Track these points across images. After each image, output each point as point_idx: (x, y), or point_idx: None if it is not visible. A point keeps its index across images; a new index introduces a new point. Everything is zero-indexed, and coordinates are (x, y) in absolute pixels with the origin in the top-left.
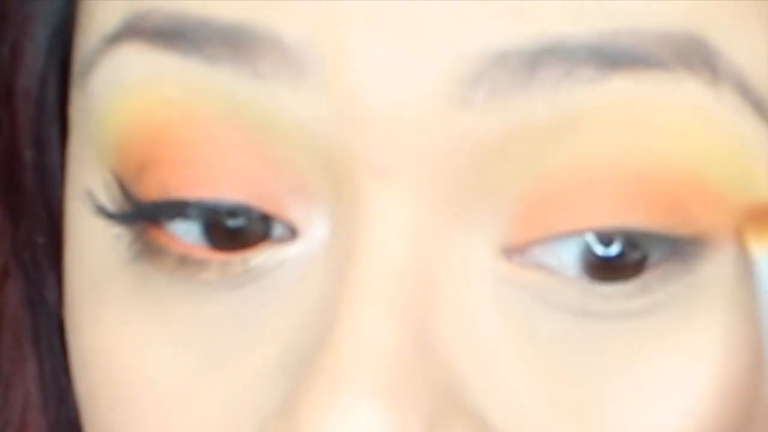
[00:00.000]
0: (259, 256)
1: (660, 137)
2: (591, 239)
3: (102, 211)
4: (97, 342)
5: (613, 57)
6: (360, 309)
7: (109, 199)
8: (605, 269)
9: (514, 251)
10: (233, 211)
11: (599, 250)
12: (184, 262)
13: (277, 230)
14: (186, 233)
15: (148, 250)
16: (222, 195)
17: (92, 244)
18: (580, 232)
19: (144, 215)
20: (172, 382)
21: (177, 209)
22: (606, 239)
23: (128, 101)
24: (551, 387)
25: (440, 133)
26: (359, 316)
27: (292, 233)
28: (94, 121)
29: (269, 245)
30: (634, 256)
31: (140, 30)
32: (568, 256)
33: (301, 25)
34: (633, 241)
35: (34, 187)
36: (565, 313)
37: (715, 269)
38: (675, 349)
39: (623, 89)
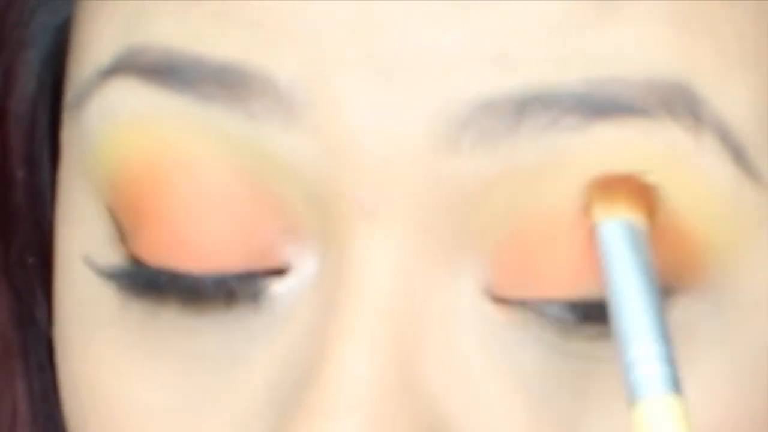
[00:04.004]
0: (248, 291)
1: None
2: None
3: (96, 269)
4: (87, 369)
5: (599, 105)
6: (346, 346)
7: (103, 239)
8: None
9: (498, 298)
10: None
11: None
12: (177, 300)
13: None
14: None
15: (143, 290)
16: (219, 264)
17: (84, 276)
18: (559, 297)
19: (139, 278)
20: (161, 413)
21: (172, 277)
22: None
23: (121, 137)
24: (534, 425)
25: (427, 175)
26: (346, 353)
27: (281, 270)
28: (86, 153)
29: (258, 280)
30: None
31: (133, 66)
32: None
33: (292, 67)
34: None
35: (26, 207)
36: (548, 352)
37: (688, 310)
38: None
39: (607, 135)
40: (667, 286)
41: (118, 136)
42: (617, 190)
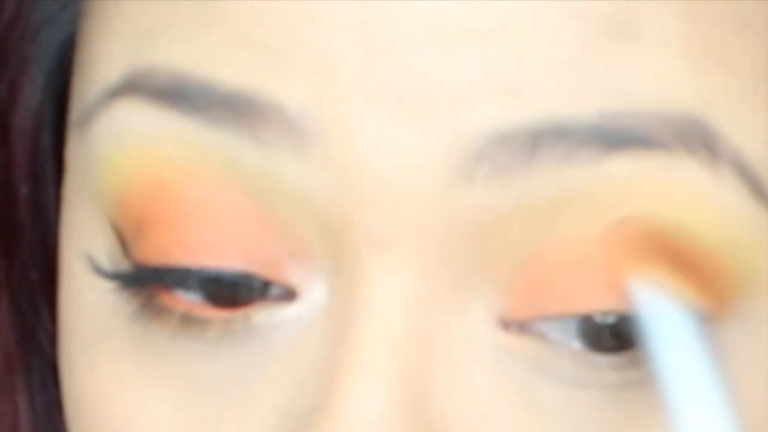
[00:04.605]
0: (260, 314)
1: (656, 215)
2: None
3: (100, 272)
4: (92, 392)
5: (615, 138)
6: (358, 377)
7: (107, 254)
8: (601, 339)
9: (511, 322)
10: (233, 279)
11: (597, 318)
12: (187, 321)
13: (275, 290)
14: (186, 293)
15: (150, 308)
16: (222, 263)
17: (89, 292)
18: (572, 314)
19: (144, 279)
20: None
21: (177, 276)
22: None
23: (128, 156)
24: None
25: (441, 207)
26: (357, 384)
27: (291, 294)
28: (92, 171)
29: (269, 303)
30: (627, 327)
31: (141, 87)
32: (564, 326)
33: (303, 96)
34: (625, 313)
35: (29, 223)
36: (561, 383)
37: (725, 335)
38: (666, 422)
39: (622, 168)
40: (701, 317)
41: (125, 156)
42: (654, 256)
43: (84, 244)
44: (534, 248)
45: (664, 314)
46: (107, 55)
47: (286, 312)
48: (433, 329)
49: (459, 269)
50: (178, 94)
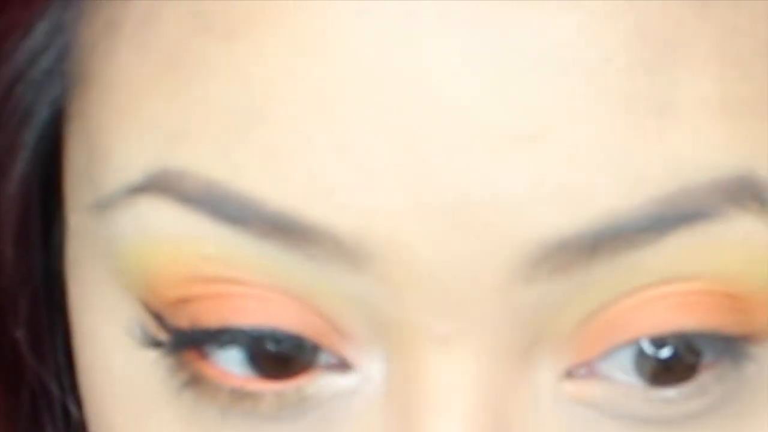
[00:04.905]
0: (312, 385)
1: (716, 267)
2: (645, 344)
3: (149, 341)
4: None
5: (670, 221)
6: None
7: (141, 327)
8: (661, 372)
9: (576, 369)
10: (283, 339)
11: (650, 350)
12: (238, 395)
13: (324, 358)
14: (228, 361)
15: (196, 382)
16: (273, 323)
17: (128, 366)
18: (635, 340)
19: (195, 341)
20: None
21: (228, 337)
22: (659, 342)
23: (158, 251)
24: None
25: (503, 304)
26: None
27: (344, 365)
28: (115, 255)
29: (320, 373)
30: (689, 357)
31: (170, 189)
32: (624, 363)
33: (353, 219)
34: (687, 342)
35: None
36: (628, 421)
37: (760, 366)
38: None
39: (679, 242)
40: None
41: (154, 250)
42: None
43: (114, 320)
44: (599, 309)
45: None
46: (126, 148)
47: (341, 382)
48: (502, 402)
49: (522, 345)
50: (214, 204)
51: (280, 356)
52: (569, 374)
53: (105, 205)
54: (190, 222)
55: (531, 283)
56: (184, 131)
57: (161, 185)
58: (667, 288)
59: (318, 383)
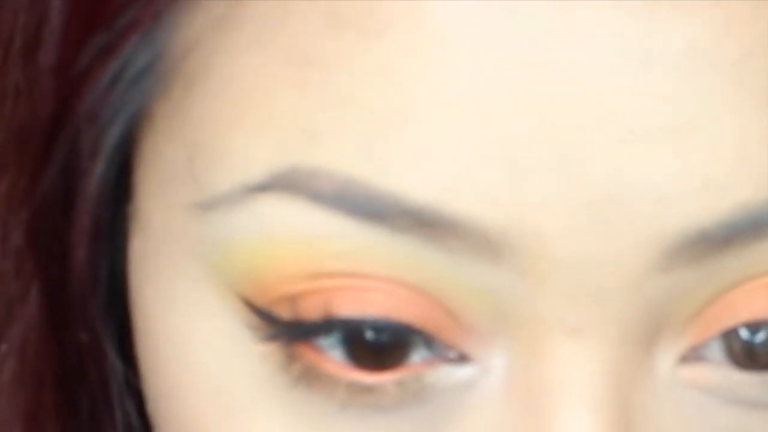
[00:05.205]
0: (432, 375)
1: None
2: (742, 329)
3: (256, 337)
4: None
5: None
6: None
7: (244, 324)
8: (752, 356)
9: (689, 354)
10: (397, 330)
11: (745, 335)
12: (357, 387)
13: (441, 351)
14: (339, 354)
15: (311, 375)
16: (388, 314)
17: (224, 366)
18: (739, 326)
19: (306, 332)
20: None
21: (344, 327)
22: (754, 327)
23: (280, 250)
24: None
25: (637, 296)
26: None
27: (463, 357)
28: (219, 253)
29: (438, 363)
30: None
31: (299, 187)
32: (734, 349)
33: (496, 210)
34: None
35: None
36: (742, 406)
37: None
38: None
39: None
40: None
41: (275, 249)
42: None
43: (210, 318)
44: (716, 292)
45: None
46: (244, 146)
47: (461, 373)
48: (626, 389)
49: (647, 333)
50: (352, 202)
51: (392, 346)
52: (684, 359)
53: (212, 205)
54: (318, 220)
55: (666, 273)
56: (318, 129)
57: (289, 183)
58: None
59: (437, 374)
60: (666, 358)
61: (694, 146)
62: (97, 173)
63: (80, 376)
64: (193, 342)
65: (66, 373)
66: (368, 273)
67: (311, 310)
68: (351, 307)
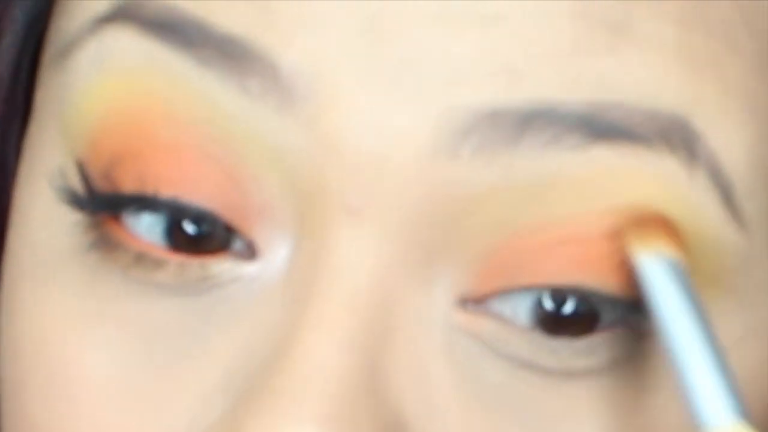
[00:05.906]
0: (218, 266)
1: (631, 206)
2: (545, 296)
3: (72, 196)
4: (36, 328)
5: (601, 128)
6: (317, 336)
7: (71, 191)
8: (556, 324)
9: (470, 301)
10: (200, 216)
11: (549, 306)
12: (141, 259)
13: (237, 244)
14: (146, 232)
15: (105, 242)
16: (194, 198)
17: (46, 228)
18: (536, 288)
19: (109, 205)
20: (110, 380)
21: (145, 203)
22: (560, 297)
23: (110, 86)
24: None
25: (421, 181)
26: (315, 342)
27: (252, 251)
28: (68, 105)
29: (228, 257)
30: (586, 315)
31: (134, 15)
32: (521, 308)
33: (297, 55)
34: (586, 300)
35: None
36: (511, 363)
37: (656, 345)
38: (610, 414)
39: (604, 158)
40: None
41: (107, 85)
42: (654, 227)
43: (48, 178)
44: (509, 229)
45: (664, 266)
46: None
47: (246, 269)
48: (394, 301)
49: (429, 245)
50: (171, 28)
51: (194, 234)
52: (463, 303)
53: (69, 48)
54: (145, 52)
55: (454, 160)
56: None
57: (124, 13)
58: (574, 229)
59: (223, 265)
60: (444, 295)
61: (499, 35)
62: (4, 49)
63: None
64: (29, 201)
65: None
66: (180, 124)
67: (120, 183)
68: (156, 183)
